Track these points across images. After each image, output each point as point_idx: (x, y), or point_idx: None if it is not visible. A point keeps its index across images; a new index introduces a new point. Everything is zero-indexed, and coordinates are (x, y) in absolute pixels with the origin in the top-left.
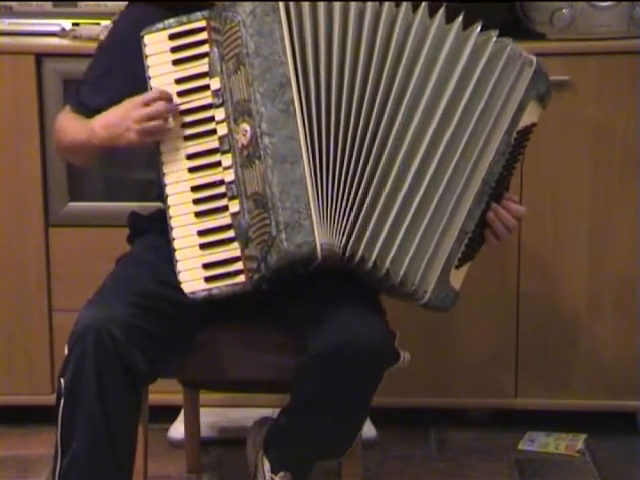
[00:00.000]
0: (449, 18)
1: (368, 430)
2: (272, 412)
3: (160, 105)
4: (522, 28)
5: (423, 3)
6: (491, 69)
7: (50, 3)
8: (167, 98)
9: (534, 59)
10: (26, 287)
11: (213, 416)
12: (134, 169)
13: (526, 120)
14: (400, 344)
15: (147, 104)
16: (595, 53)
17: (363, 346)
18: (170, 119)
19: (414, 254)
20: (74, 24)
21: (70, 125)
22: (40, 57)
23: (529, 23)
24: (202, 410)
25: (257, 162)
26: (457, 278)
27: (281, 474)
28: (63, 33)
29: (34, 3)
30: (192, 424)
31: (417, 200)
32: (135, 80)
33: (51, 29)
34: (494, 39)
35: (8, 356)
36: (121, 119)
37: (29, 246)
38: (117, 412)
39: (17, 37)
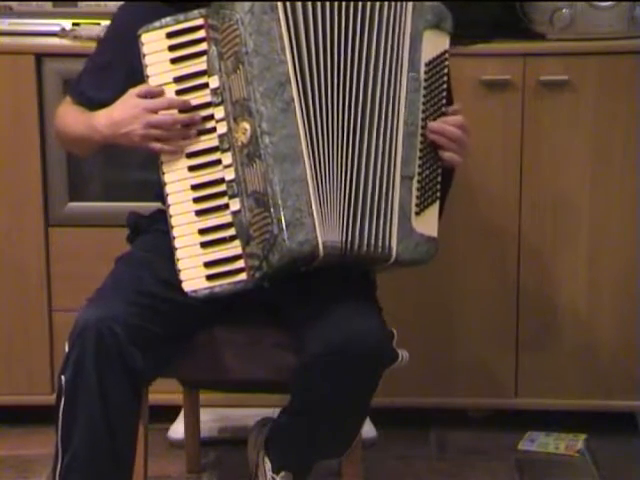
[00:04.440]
0: None
1: (368, 430)
2: (272, 412)
3: (168, 116)
4: (522, 28)
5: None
6: (370, 15)
7: (50, 3)
8: (176, 106)
9: None
10: (26, 287)
11: (213, 416)
12: (134, 169)
13: (432, 51)
14: (398, 343)
15: (155, 111)
16: (595, 53)
17: (361, 346)
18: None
19: (384, 220)
20: (74, 24)
21: (71, 119)
22: (40, 57)
23: (529, 23)
24: (202, 410)
25: (258, 161)
26: (426, 225)
27: (282, 474)
28: (63, 33)
29: (34, 3)
30: (192, 424)
31: (384, 173)
32: (134, 75)
33: (51, 29)
34: None
35: (8, 356)
36: (126, 120)
37: (29, 246)
38: (117, 411)
39: (17, 37)
